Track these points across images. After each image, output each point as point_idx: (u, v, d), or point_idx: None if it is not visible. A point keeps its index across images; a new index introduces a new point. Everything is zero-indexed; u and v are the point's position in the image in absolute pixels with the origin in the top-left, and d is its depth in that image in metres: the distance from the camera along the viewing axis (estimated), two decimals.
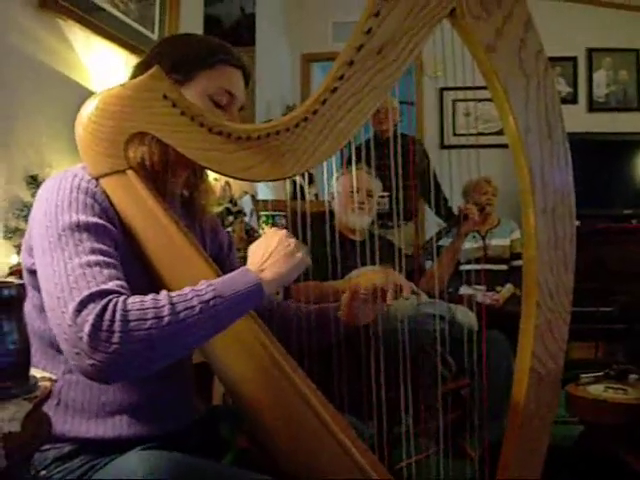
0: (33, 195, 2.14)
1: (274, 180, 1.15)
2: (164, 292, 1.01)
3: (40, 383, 0.96)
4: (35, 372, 0.98)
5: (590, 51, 5.33)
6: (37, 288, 1.08)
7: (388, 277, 1.39)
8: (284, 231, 1.16)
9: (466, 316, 2.47)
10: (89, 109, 1.11)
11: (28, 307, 1.16)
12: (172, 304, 0.98)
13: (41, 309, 1.12)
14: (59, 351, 1.12)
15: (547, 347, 1.19)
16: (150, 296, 0.99)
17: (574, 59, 5.31)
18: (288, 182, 3.75)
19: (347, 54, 1.09)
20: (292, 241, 1.14)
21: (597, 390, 2.57)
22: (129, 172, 1.13)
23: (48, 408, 1.06)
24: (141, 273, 1.11)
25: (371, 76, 1.10)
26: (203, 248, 1.23)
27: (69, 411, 1.13)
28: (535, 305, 1.18)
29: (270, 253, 1.13)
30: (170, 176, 1.19)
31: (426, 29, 1.10)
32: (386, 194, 3.34)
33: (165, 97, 1.09)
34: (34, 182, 2.20)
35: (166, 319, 0.96)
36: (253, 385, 1.14)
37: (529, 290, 1.19)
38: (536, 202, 1.16)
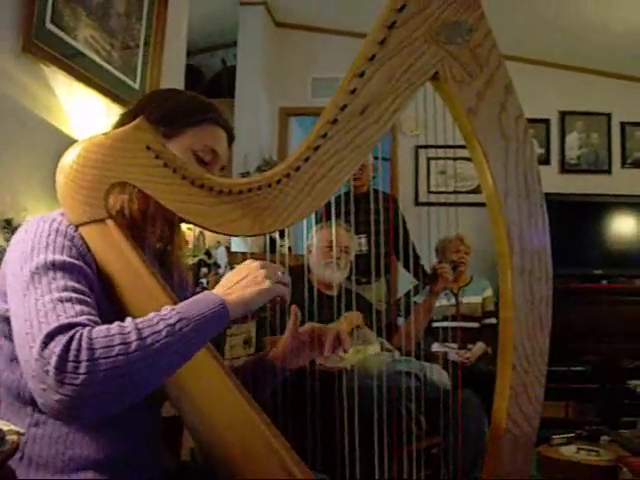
0: (7, 239, 2.11)
1: (254, 235, 1.15)
2: (129, 319, 0.99)
3: (7, 437, 0.93)
4: (2, 425, 0.95)
5: (563, 114, 5.49)
6: (8, 336, 1.06)
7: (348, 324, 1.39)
8: (257, 262, 1.15)
9: (438, 374, 2.47)
10: (71, 157, 1.10)
11: None
12: (138, 329, 0.95)
13: (10, 358, 1.09)
14: (25, 403, 1.10)
15: (522, 409, 1.19)
16: (116, 323, 0.97)
17: (547, 121, 5.46)
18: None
19: (331, 113, 1.11)
20: (262, 272, 1.13)
21: (569, 451, 2.57)
22: (108, 221, 1.12)
23: (11, 462, 1.03)
24: (115, 319, 1.09)
25: (354, 136, 1.12)
26: None
27: (33, 466, 1.08)
28: (511, 367, 1.17)
29: (238, 280, 1.12)
30: (149, 227, 1.19)
31: (409, 91, 1.12)
32: (363, 235, 3.36)
33: (148, 148, 1.09)
34: (8, 226, 2.18)
35: (134, 345, 0.93)
36: (225, 440, 1.11)
37: (505, 352, 1.19)
38: (514, 264, 1.17)
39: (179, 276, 1.36)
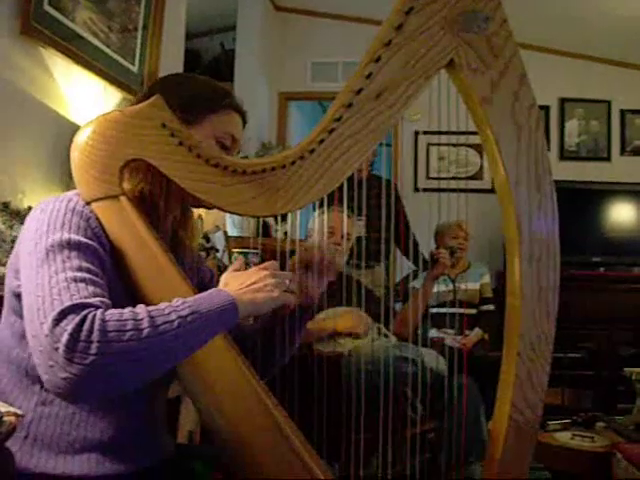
0: (4, 222, 2.10)
1: (266, 216, 1.15)
2: (142, 306, 1.00)
3: (5, 418, 0.93)
4: (0, 406, 0.95)
5: (563, 101, 5.47)
6: (20, 314, 1.06)
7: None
8: (268, 271, 1.16)
9: (435, 360, 2.47)
10: (86, 133, 1.10)
11: (6, 334, 1.14)
12: (151, 317, 0.96)
13: (21, 336, 1.09)
14: (34, 382, 1.10)
15: (526, 397, 1.19)
16: (128, 309, 0.98)
17: (547, 108, 5.43)
18: (253, 220, 3.73)
19: (346, 96, 1.11)
20: (272, 280, 1.15)
21: (564, 437, 2.58)
22: (122, 198, 1.13)
23: (15, 441, 1.03)
24: (126, 301, 1.09)
25: (368, 119, 1.12)
26: None
27: (37, 445, 1.09)
28: (516, 355, 1.17)
29: (248, 285, 1.13)
30: (163, 208, 1.20)
31: (424, 78, 1.12)
32: (362, 218, 3.35)
33: (164, 126, 1.10)
34: (6, 209, 2.17)
35: (145, 331, 0.94)
36: (234, 420, 1.12)
37: (510, 340, 1.19)
38: (522, 252, 1.16)
39: (191, 257, 1.37)
